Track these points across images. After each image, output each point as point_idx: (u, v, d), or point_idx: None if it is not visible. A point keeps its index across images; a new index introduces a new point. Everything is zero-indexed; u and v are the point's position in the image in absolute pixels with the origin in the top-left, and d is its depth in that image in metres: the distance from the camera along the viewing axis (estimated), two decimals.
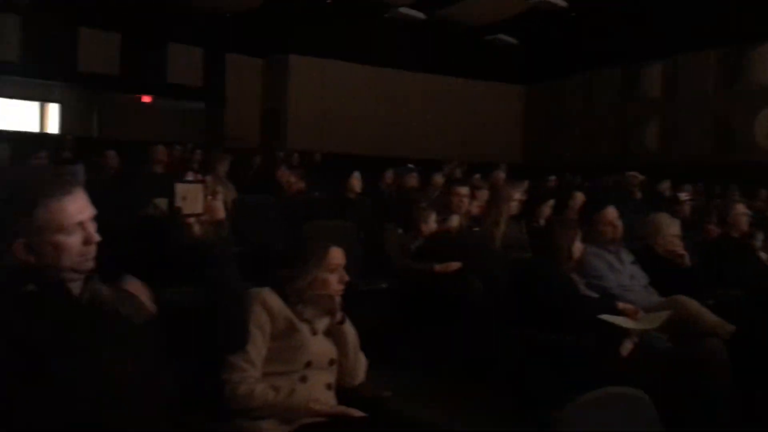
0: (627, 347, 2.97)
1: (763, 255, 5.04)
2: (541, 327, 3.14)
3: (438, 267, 4.11)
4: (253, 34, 13.67)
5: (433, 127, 15.62)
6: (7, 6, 10.81)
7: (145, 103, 14.46)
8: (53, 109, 14.35)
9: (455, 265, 4.13)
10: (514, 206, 4.80)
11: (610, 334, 2.98)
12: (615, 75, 15.70)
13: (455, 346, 4.11)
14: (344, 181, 5.53)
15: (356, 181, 5.45)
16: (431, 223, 4.40)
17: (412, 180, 6.57)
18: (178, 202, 1.56)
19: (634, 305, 3.31)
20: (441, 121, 15.85)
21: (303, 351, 1.98)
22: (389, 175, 6.99)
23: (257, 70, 14.77)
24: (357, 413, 1.92)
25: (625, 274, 3.64)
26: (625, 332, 3.00)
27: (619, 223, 3.74)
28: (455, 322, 4.15)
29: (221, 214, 1.67)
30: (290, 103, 14.43)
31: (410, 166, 7.26)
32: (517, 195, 4.96)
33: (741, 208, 4.74)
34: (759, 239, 5.20)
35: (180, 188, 1.56)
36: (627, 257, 3.72)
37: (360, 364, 2.15)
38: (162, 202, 3.81)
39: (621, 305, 3.21)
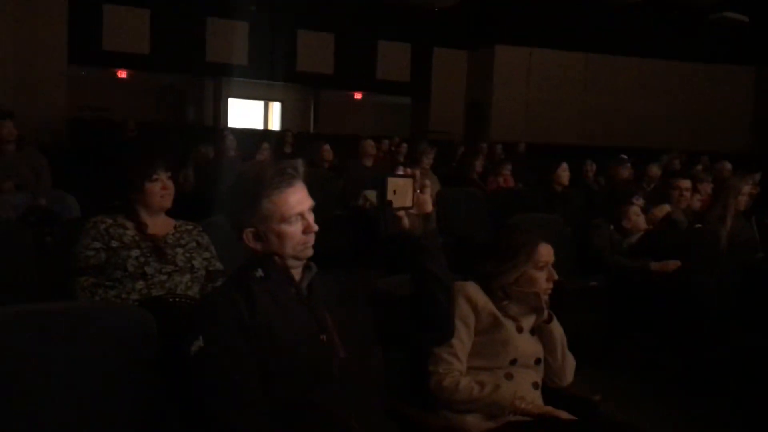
0: None
1: None
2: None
3: (655, 265, 3.84)
4: (459, 27, 13.76)
5: (648, 115, 14.63)
6: (238, 14, 11.92)
7: (356, 100, 15.23)
8: (275, 107, 15.66)
9: (674, 264, 3.84)
10: (742, 200, 4.33)
11: None
12: None
13: (674, 351, 3.82)
14: (551, 173, 5.36)
15: (564, 173, 5.26)
16: (644, 221, 4.12)
17: (626, 172, 6.19)
18: (389, 196, 1.59)
19: None
20: (657, 107, 14.79)
21: (508, 347, 1.94)
22: (592, 166, 6.64)
23: (463, 62, 14.85)
24: (565, 415, 1.85)
25: None
26: None
27: None
28: (674, 325, 3.86)
29: (429, 207, 1.68)
30: (494, 95, 14.33)
31: (624, 156, 6.83)
32: (747, 188, 4.47)
33: None
34: None
35: (391, 182, 1.59)
36: None
37: (568, 364, 2.06)
38: (371, 194, 3.97)
39: None
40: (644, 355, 4.02)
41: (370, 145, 6.79)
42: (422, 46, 14.08)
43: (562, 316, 2.88)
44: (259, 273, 1.58)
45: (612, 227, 4.23)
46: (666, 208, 4.34)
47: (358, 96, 15.18)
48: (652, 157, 7.70)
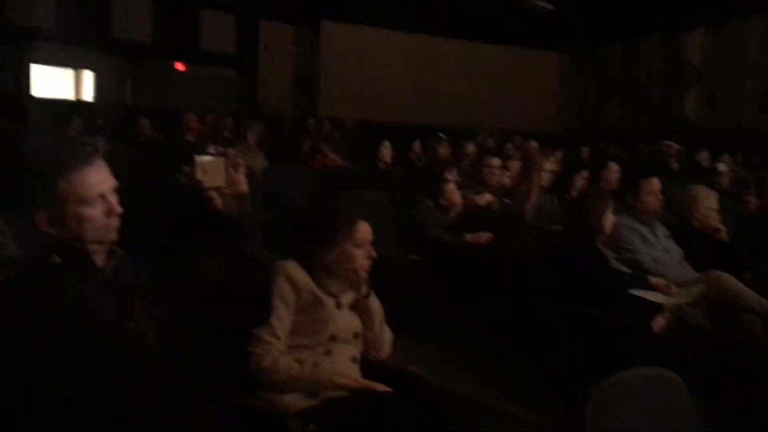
0: (660, 323, 2.91)
1: None
2: (573, 301, 3.09)
3: (469, 237, 4.09)
4: (286, 1, 13.57)
5: (467, 95, 15.42)
6: None
7: (178, 71, 14.52)
8: (87, 76, 14.51)
9: (486, 236, 4.10)
10: (546, 177, 4.71)
11: (642, 309, 2.93)
12: (655, 43, 15.27)
13: (486, 319, 4.09)
14: (375, 151, 5.48)
15: (386, 151, 5.40)
16: (459, 197, 4.36)
17: (444, 150, 6.48)
18: (199, 176, 1.53)
19: (668, 280, 3.24)
20: (475, 88, 15.63)
21: (327, 324, 1.97)
22: (417, 144, 6.90)
23: (290, 37, 14.69)
24: (382, 387, 1.91)
25: (659, 247, 3.56)
26: (657, 307, 2.94)
27: (659, 195, 3.64)
28: (486, 294, 4.13)
29: (244, 187, 1.64)
30: (322, 71, 14.36)
31: (441, 135, 7.14)
32: (550, 166, 4.87)
33: None
34: None
35: (200, 161, 1.54)
36: (661, 231, 3.63)
37: (385, 337, 2.13)
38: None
39: (653, 280, 3.15)
40: (463, 324, 4.27)
41: (192, 119, 6.53)
42: (248, 18, 13.72)
43: (384, 290, 2.97)
44: (56, 260, 1.45)
45: (432, 204, 4.43)
46: (488, 197, 4.57)
47: (180, 67, 14.48)
48: (471, 136, 8.15)
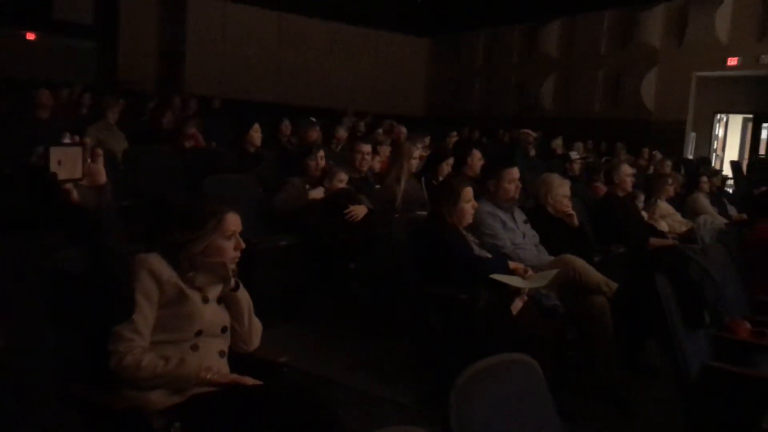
0: (517, 305, 3.09)
1: (644, 214, 5.36)
2: (438, 285, 3.21)
3: (352, 209, 4.11)
4: None
5: (337, 77, 15.42)
6: None
7: (28, 40, 13.40)
8: None
9: (363, 210, 4.16)
10: (414, 163, 4.83)
11: (501, 292, 3.09)
12: (515, 32, 15.98)
13: (357, 304, 4.15)
14: (244, 134, 5.35)
15: (256, 134, 5.29)
16: (335, 181, 4.37)
17: (315, 133, 6.46)
18: (54, 167, 1.43)
19: (526, 264, 3.43)
20: (346, 71, 15.66)
21: (193, 319, 1.91)
22: (286, 125, 6.83)
23: (153, 7, 13.98)
24: (250, 381, 1.89)
25: (518, 232, 3.76)
26: (515, 291, 3.11)
27: (519, 183, 3.83)
28: (356, 279, 4.19)
29: (103, 178, 1.56)
30: (188, 45, 13.81)
31: (312, 119, 7.11)
32: (418, 152, 4.99)
33: (627, 169, 4.96)
34: (641, 199, 5.52)
35: (55, 152, 1.43)
36: (520, 216, 3.83)
37: (255, 329, 2.11)
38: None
39: (512, 265, 3.32)
40: (336, 307, 4.31)
41: (45, 95, 6.08)
42: None
43: (254, 278, 2.94)
44: None
45: (307, 186, 4.41)
46: (343, 176, 4.56)
47: (30, 36, 13.38)
48: (340, 119, 8.17)
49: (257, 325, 2.12)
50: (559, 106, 15.20)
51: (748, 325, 3.15)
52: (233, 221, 2.02)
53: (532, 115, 14.90)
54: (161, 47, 14.06)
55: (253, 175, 4.86)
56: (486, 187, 3.83)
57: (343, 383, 3.27)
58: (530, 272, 3.30)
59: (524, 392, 1.61)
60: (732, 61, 12.45)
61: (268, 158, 5.58)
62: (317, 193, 4.35)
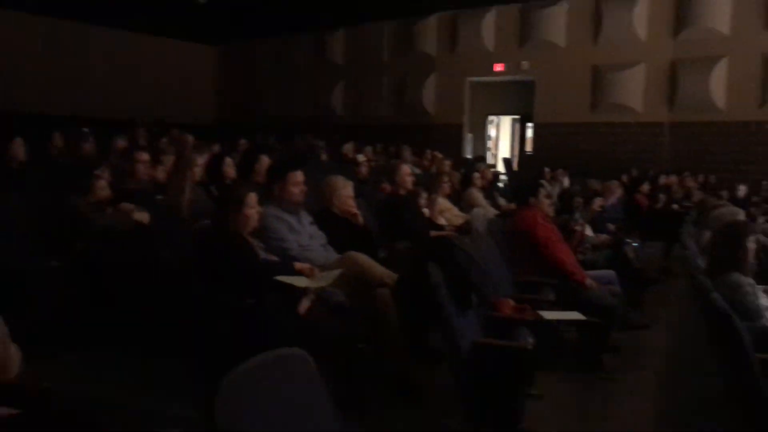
0: (304, 305, 3.14)
1: (426, 211, 5.72)
2: (224, 293, 3.17)
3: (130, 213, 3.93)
4: None
5: (118, 86, 14.57)
6: None
7: None
8: None
9: (129, 206, 4.00)
10: (197, 172, 4.72)
11: (288, 294, 3.13)
12: (304, 40, 16.22)
13: (139, 320, 3.95)
14: (6, 147, 4.88)
15: (20, 149, 4.85)
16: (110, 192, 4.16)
17: (89, 146, 6.06)
18: None
19: (314, 264, 3.50)
20: (126, 79, 14.85)
21: None
22: (58, 137, 6.35)
23: None
24: (6, 411, 1.74)
25: (305, 234, 3.83)
26: (302, 291, 3.17)
27: (303, 186, 3.90)
28: (144, 295, 3.99)
29: None
30: None
31: (85, 130, 6.66)
32: (202, 160, 4.89)
33: (406, 170, 5.27)
34: (424, 197, 5.88)
35: None
36: (306, 218, 3.91)
37: (11, 356, 1.93)
38: None
39: (298, 266, 3.37)
40: (114, 327, 4.06)
41: None
42: None
43: (17, 302, 2.70)
44: None
45: (84, 202, 4.16)
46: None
47: None
48: (120, 130, 7.72)
49: (15, 352, 1.95)
50: (349, 111, 15.69)
51: (512, 303, 3.51)
52: None
53: (326, 122, 15.22)
54: None
55: (18, 193, 4.45)
56: (271, 191, 3.86)
57: (120, 402, 3.11)
58: (317, 272, 3.37)
59: (297, 384, 1.66)
60: (498, 67, 13.67)
61: (36, 174, 5.13)
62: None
